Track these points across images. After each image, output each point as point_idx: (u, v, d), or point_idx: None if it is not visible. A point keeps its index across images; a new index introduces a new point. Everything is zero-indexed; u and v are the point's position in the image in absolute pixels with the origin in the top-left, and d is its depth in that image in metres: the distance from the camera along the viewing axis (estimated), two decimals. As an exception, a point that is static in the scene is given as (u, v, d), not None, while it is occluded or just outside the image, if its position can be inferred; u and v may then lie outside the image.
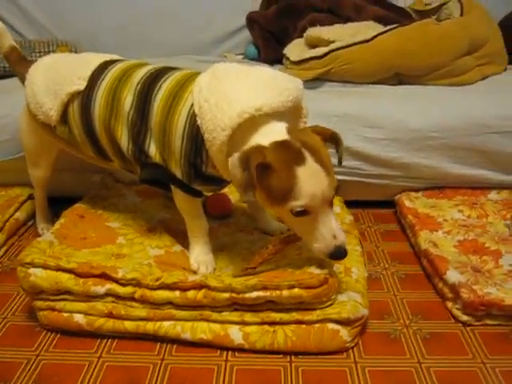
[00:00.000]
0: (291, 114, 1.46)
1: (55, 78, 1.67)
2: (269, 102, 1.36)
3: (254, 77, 1.44)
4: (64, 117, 1.67)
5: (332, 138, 1.43)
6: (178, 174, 1.50)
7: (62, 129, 1.69)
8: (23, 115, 1.83)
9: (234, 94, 1.37)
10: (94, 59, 1.69)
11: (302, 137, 1.34)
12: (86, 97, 1.62)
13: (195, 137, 1.43)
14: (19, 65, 1.85)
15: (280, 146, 1.31)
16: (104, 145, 1.64)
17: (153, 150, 1.52)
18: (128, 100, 1.55)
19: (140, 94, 1.54)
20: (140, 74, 1.58)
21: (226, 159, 1.36)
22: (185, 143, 1.45)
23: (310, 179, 1.29)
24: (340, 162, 1.47)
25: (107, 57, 1.71)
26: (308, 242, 1.40)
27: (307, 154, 1.30)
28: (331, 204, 1.37)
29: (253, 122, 1.35)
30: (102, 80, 1.61)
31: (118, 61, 1.69)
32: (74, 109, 1.64)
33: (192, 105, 1.43)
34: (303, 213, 1.32)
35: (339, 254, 1.37)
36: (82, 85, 1.62)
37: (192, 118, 1.43)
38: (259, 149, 1.29)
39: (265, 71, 1.48)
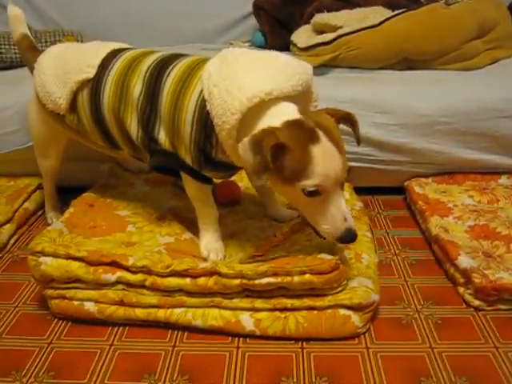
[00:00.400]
0: (302, 98, 1.45)
1: (64, 66, 1.67)
2: (279, 86, 1.35)
3: (264, 61, 1.43)
4: (73, 105, 1.67)
5: (346, 119, 1.42)
6: (188, 160, 1.50)
7: (71, 117, 1.69)
8: (32, 105, 1.83)
9: (244, 78, 1.36)
10: (103, 47, 1.68)
11: (314, 117, 1.34)
12: (95, 85, 1.62)
13: (205, 122, 1.42)
14: (29, 53, 1.85)
15: (293, 125, 1.30)
16: (113, 133, 1.64)
17: (162, 136, 1.52)
18: (137, 87, 1.55)
19: (149, 81, 1.53)
20: (149, 61, 1.58)
21: (235, 144, 1.36)
22: (194, 129, 1.44)
23: (325, 158, 1.29)
24: (358, 142, 1.47)
25: (116, 45, 1.71)
26: (317, 224, 1.38)
27: (321, 134, 1.29)
28: (343, 186, 1.36)
29: (263, 107, 1.35)
30: (111, 68, 1.61)
31: (126, 49, 1.69)
32: (83, 97, 1.64)
33: (201, 91, 1.43)
34: (315, 193, 1.31)
35: (349, 236, 1.36)
36: (91, 73, 1.62)
37: (201, 103, 1.42)
38: (270, 131, 1.28)
39: (275, 56, 1.47)
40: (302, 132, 1.29)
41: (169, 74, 1.52)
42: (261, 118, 1.35)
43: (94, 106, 1.62)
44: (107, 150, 1.77)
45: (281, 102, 1.36)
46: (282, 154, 1.28)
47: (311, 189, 1.30)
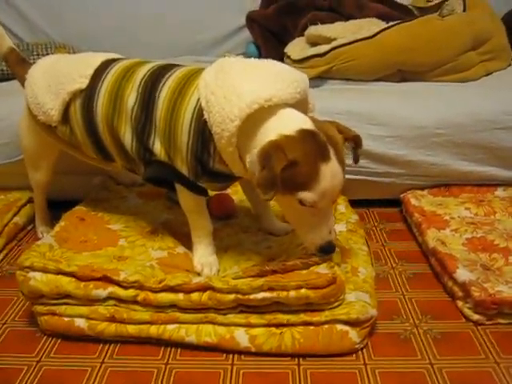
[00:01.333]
0: (299, 106, 1.43)
1: (56, 77, 1.65)
2: (278, 93, 1.34)
3: (262, 69, 1.43)
4: (65, 116, 1.64)
5: (354, 141, 1.44)
6: (185, 170, 1.48)
7: (63, 129, 1.66)
8: (23, 117, 1.81)
9: (243, 85, 1.35)
10: (96, 58, 1.66)
11: (325, 130, 1.34)
12: (88, 95, 1.59)
13: (202, 131, 1.41)
14: (18, 66, 1.82)
15: (307, 136, 1.30)
16: (107, 144, 1.61)
17: (157, 147, 1.50)
18: (131, 97, 1.53)
19: (144, 90, 1.52)
20: (143, 70, 1.56)
21: (235, 151, 1.36)
22: (191, 138, 1.43)
23: (329, 178, 1.30)
24: (356, 161, 1.49)
25: (109, 55, 1.69)
26: (303, 232, 1.41)
27: (332, 152, 1.30)
28: (335, 201, 1.38)
29: (262, 114, 1.34)
30: (105, 78, 1.59)
31: (119, 59, 1.67)
32: (75, 108, 1.62)
33: (198, 99, 1.42)
34: (310, 205, 1.32)
35: (330, 248, 1.40)
36: (84, 83, 1.60)
37: (198, 112, 1.41)
38: (280, 145, 1.27)
39: (272, 64, 1.46)
40: (315, 147, 1.29)
41: (164, 83, 1.50)
42: (263, 125, 1.34)
43: (87, 117, 1.60)
44: (100, 163, 1.74)
45: (285, 108, 1.36)
46: (291, 168, 1.27)
47: (308, 204, 1.31)
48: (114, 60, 1.66)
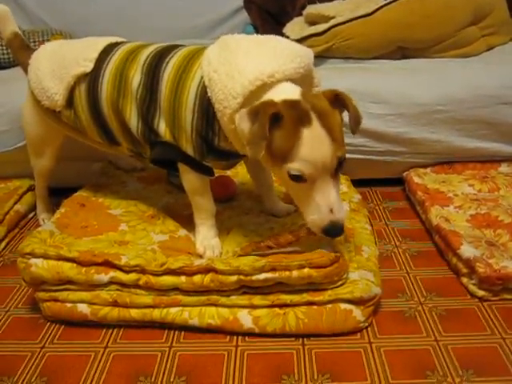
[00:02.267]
0: (304, 81, 1.41)
1: (60, 61, 1.64)
2: (281, 68, 1.33)
3: (265, 44, 1.40)
4: (70, 101, 1.63)
5: (337, 101, 1.34)
6: (190, 150, 1.47)
7: (68, 113, 1.65)
8: (26, 103, 1.79)
9: (245, 62, 1.34)
10: (100, 41, 1.65)
11: (313, 100, 1.30)
12: (93, 78, 1.58)
13: (206, 109, 1.40)
14: (22, 52, 1.80)
15: (289, 104, 1.27)
16: (112, 127, 1.60)
17: (162, 127, 1.49)
18: (136, 78, 1.52)
19: (148, 71, 1.51)
20: (147, 52, 1.55)
21: (234, 127, 1.35)
22: (196, 117, 1.42)
23: (312, 143, 1.25)
24: (355, 127, 1.37)
25: (112, 39, 1.67)
26: (304, 213, 1.34)
27: (314, 117, 1.26)
28: (334, 175, 1.30)
29: (264, 89, 1.32)
30: (109, 61, 1.58)
31: (123, 42, 1.66)
32: (80, 92, 1.60)
33: (201, 78, 1.41)
34: (300, 178, 1.28)
35: (334, 229, 1.30)
36: (88, 66, 1.59)
37: (202, 90, 1.40)
38: (271, 102, 1.27)
39: (275, 39, 1.44)
40: (297, 112, 1.26)
41: (167, 63, 1.49)
42: (261, 99, 1.32)
43: (92, 100, 1.59)
44: (105, 147, 1.73)
45: (282, 83, 1.33)
46: (277, 126, 1.25)
47: (295, 173, 1.27)
48: (117, 43, 1.65)
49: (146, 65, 1.52)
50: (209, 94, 1.38)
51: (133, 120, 1.54)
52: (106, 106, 1.58)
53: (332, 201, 1.29)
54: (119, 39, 1.70)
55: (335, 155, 1.27)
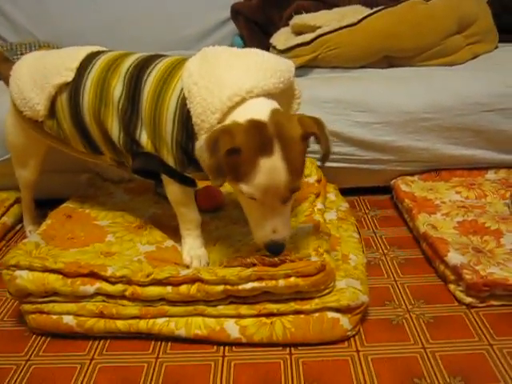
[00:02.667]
0: (283, 95, 1.42)
1: (41, 71, 1.63)
2: (260, 83, 1.33)
3: (245, 58, 1.40)
4: (52, 111, 1.63)
5: (315, 137, 1.33)
6: (171, 161, 1.46)
7: (50, 123, 1.64)
8: (9, 114, 1.78)
9: (225, 76, 1.34)
10: (81, 51, 1.64)
11: (281, 124, 1.28)
12: (74, 88, 1.58)
13: (186, 121, 1.39)
14: (2, 65, 1.80)
15: (254, 126, 1.26)
16: (94, 136, 1.59)
17: (144, 138, 1.48)
18: (117, 88, 1.51)
19: (129, 81, 1.50)
20: (128, 62, 1.55)
21: None
22: (176, 128, 1.41)
23: (267, 174, 1.25)
24: (322, 163, 1.38)
25: (94, 48, 1.67)
26: (251, 226, 1.39)
27: (276, 147, 1.25)
28: (285, 201, 1.33)
29: (241, 104, 1.32)
30: (90, 70, 1.57)
31: (104, 51, 1.65)
32: (62, 101, 1.60)
33: (182, 89, 1.40)
34: (251, 197, 1.31)
35: (274, 248, 1.36)
36: (69, 76, 1.58)
37: (182, 102, 1.40)
38: (228, 131, 1.26)
39: (256, 53, 1.44)
40: (259, 139, 1.25)
41: (149, 73, 1.49)
42: (232, 114, 1.32)
43: (74, 110, 1.58)
44: (89, 156, 1.72)
45: (254, 99, 1.32)
46: (235, 155, 1.25)
47: (246, 196, 1.31)
48: (99, 52, 1.64)
49: (128, 75, 1.52)
50: (188, 106, 1.37)
51: (114, 130, 1.53)
52: (87, 116, 1.57)
53: (276, 223, 1.33)
54: (101, 48, 1.69)
55: (288, 187, 1.29)
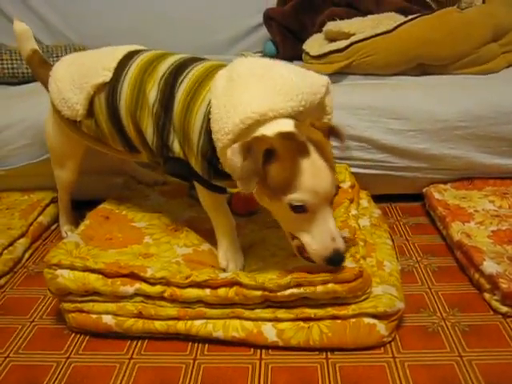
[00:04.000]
0: (310, 113, 1.41)
1: (80, 71, 1.66)
2: (276, 107, 1.32)
3: (268, 78, 1.38)
4: (90, 110, 1.65)
5: (332, 133, 1.39)
6: (198, 169, 1.47)
7: (89, 123, 1.67)
8: (48, 115, 1.82)
9: (242, 97, 1.33)
10: (119, 50, 1.66)
11: (307, 131, 1.31)
12: (111, 88, 1.60)
13: (211, 134, 1.39)
14: (41, 68, 1.84)
15: (285, 136, 1.28)
16: (131, 136, 1.62)
17: (176, 144, 1.50)
18: (153, 92, 1.53)
19: (164, 87, 1.51)
20: (165, 65, 1.56)
21: None
22: (202, 140, 1.42)
23: (314, 174, 1.26)
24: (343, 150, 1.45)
25: (131, 47, 1.68)
26: (305, 243, 1.34)
27: (312, 148, 1.28)
28: (331, 203, 1.33)
29: (258, 124, 1.32)
30: (128, 70, 1.59)
31: (142, 50, 1.66)
32: (100, 101, 1.62)
33: (210, 101, 1.40)
34: (302, 208, 1.28)
35: (338, 258, 1.32)
36: (107, 76, 1.60)
37: (209, 114, 1.39)
38: (263, 137, 1.27)
39: (280, 73, 1.40)
40: (293, 144, 1.27)
41: (182, 81, 1.50)
42: (255, 134, 1.32)
43: (112, 110, 1.61)
44: (127, 155, 1.75)
45: (276, 120, 1.33)
46: (272, 161, 1.26)
47: (297, 203, 1.27)
48: (137, 52, 1.65)
49: (163, 80, 1.52)
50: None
51: (149, 133, 1.55)
52: (124, 116, 1.59)
53: (333, 229, 1.31)
54: (139, 47, 1.71)
55: (334, 184, 1.30)
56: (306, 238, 1.33)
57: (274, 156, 1.26)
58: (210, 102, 1.40)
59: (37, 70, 1.86)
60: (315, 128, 1.35)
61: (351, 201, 1.81)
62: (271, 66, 1.43)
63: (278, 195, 1.28)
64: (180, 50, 2.69)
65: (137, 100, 1.56)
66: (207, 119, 1.40)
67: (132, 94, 1.57)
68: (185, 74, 1.51)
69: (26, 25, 1.85)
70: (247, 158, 1.24)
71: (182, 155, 1.50)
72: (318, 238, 1.31)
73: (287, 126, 1.31)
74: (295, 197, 1.26)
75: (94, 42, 2.70)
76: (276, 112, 1.32)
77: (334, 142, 1.41)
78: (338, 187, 1.32)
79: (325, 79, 1.44)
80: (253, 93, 1.34)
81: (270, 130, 1.30)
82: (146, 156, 1.65)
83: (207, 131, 1.40)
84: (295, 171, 1.25)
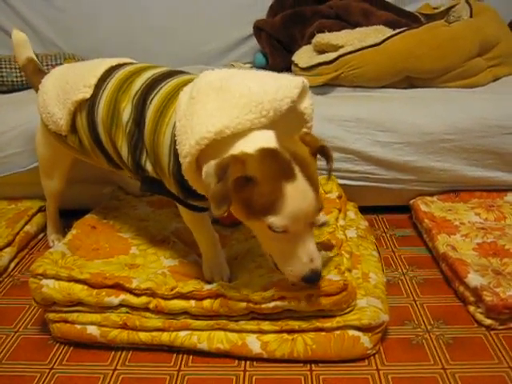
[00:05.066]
0: (284, 123, 1.31)
1: (64, 86, 1.66)
2: (232, 123, 1.23)
3: (225, 92, 1.28)
4: (73, 126, 1.65)
5: (321, 152, 1.33)
6: (173, 190, 1.45)
7: (73, 138, 1.67)
8: (39, 125, 1.83)
9: (199, 116, 1.26)
10: (101, 66, 1.64)
11: (292, 147, 1.24)
12: (91, 104, 1.59)
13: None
14: (36, 76, 1.84)
15: (268, 155, 1.21)
16: (111, 153, 1.61)
17: (149, 165, 1.47)
18: (126, 111, 1.50)
19: (136, 105, 1.48)
20: (140, 82, 1.52)
21: (196, 178, 1.32)
22: (171, 161, 1.38)
23: (297, 197, 1.20)
24: (329, 176, 1.38)
25: (114, 61, 1.66)
26: (281, 262, 1.30)
27: (297, 169, 1.20)
28: (312, 225, 1.28)
29: (233, 139, 1.25)
30: (105, 88, 1.57)
31: (124, 65, 1.64)
32: (82, 117, 1.62)
33: (175, 122, 1.35)
34: (282, 231, 1.23)
35: (314, 277, 1.28)
36: (88, 92, 1.59)
37: (175, 136, 1.35)
38: (239, 159, 1.19)
39: (239, 83, 1.30)
40: (277, 165, 1.20)
41: (152, 99, 1.45)
42: (231, 149, 1.25)
43: (92, 126, 1.60)
44: (112, 170, 1.74)
45: (253, 132, 1.25)
46: (249, 186, 1.19)
47: (277, 229, 1.22)
48: (118, 66, 1.63)
49: (136, 98, 1.49)
50: None
51: (124, 151, 1.52)
52: (102, 133, 1.57)
53: (311, 251, 1.27)
54: (122, 60, 1.68)
55: (317, 208, 1.24)
56: (284, 260, 1.29)
57: (251, 181, 1.19)
58: (175, 124, 1.35)
59: (31, 78, 1.87)
60: (304, 142, 1.29)
61: (339, 210, 1.82)
62: (230, 77, 1.33)
63: (257, 216, 1.23)
64: (170, 61, 2.72)
65: (112, 118, 1.53)
66: (174, 140, 1.34)
67: (108, 112, 1.54)
68: (155, 91, 1.47)
69: (23, 34, 1.88)
70: (221, 180, 1.17)
71: (156, 175, 1.47)
72: (296, 261, 1.27)
73: (269, 139, 1.24)
74: (276, 221, 1.20)
75: (85, 52, 2.72)
76: (233, 128, 1.23)
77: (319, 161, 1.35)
78: (322, 208, 1.26)
79: (299, 81, 1.33)
80: (209, 110, 1.26)
81: (250, 144, 1.23)
82: (128, 173, 1.63)
83: (176, 154, 1.34)
84: (277, 195, 1.19)
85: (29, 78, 1.90)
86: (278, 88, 1.29)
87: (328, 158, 1.35)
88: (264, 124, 1.27)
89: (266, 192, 1.19)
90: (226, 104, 1.26)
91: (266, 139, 1.24)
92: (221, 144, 1.25)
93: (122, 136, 1.52)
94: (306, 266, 1.27)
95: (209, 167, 1.21)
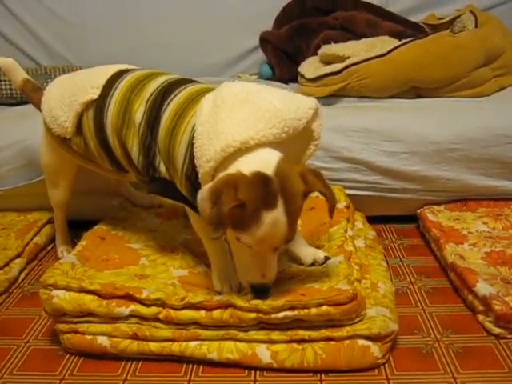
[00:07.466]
0: (297, 139, 1.42)
1: (70, 89, 1.68)
2: (257, 135, 1.31)
3: (251, 105, 1.37)
4: (79, 128, 1.67)
5: (322, 194, 1.38)
6: (184, 192, 1.48)
7: (78, 141, 1.69)
8: (42, 135, 1.84)
9: (224, 124, 1.33)
10: (109, 69, 1.68)
11: (286, 179, 1.30)
12: (99, 106, 1.61)
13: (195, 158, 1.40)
14: (34, 93, 1.86)
15: (259, 181, 1.27)
16: (117, 155, 1.63)
17: (162, 166, 1.51)
18: (139, 112, 1.54)
19: (151, 107, 1.52)
20: (153, 86, 1.56)
21: (210, 182, 1.35)
22: (186, 163, 1.43)
23: (269, 226, 1.28)
24: (330, 217, 1.43)
25: (123, 66, 1.70)
26: (238, 266, 1.44)
27: (280, 202, 1.28)
28: (277, 249, 1.38)
29: (241, 153, 1.32)
30: (116, 88, 1.60)
31: (133, 69, 1.68)
32: (88, 119, 1.64)
33: (194, 126, 1.41)
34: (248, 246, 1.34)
35: (261, 289, 1.41)
36: (95, 93, 1.62)
37: (193, 140, 1.40)
38: (232, 183, 1.26)
39: (266, 98, 1.39)
40: (264, 193, 1.27)
41: (169, 103, 1.50)
42: (235, 163, 1.32)
43: (99, 127, 1.62)
44: (115, 174, 1.77)
45: (260, 149, 1.33)
46: (238, 208, 1.26)
47: (244, 244, 1.33)
48: (127, 70, 1.67)
49: (151, 100, 1.53)
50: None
51: (134, 152, 1.55)
52: (110, 134, 1.60)
53: (267, 268, 1.39)
54: (130, 66, 1.72)
55: (285, 239, 1.34)
56: (241, 265, 1.42)
57: (241, 207, 1.26)
58: (194, 127, 1.40)
59: (30, 95, 1.89)
60: (304, 180, 1.33)
61: (347, 220, 1.82)
62: (255, 92, 1.42)
63: (232, 227, 1.32)
64: (177, 73, 2.73)
65: (123, 119, 1.57)
66: (191, 144, 1.40)
67: (118, 113, 1.57)
68: (172, 95, 1.51)
69: (11, 59, 1.90)
70: (215, 205, 1.25)
71: (168, 176, 1.51)
72: (250, 271, 1.40)
73: (269, 164, 1.30)
74: (244, 238, 1.32)
75: (91, 64, 2.73)
76: (257, 140, 1.31)
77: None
78: (291, 239, 1.38)
79: (313, 102, 1.44)
80: (235, 120, 1.33)
81: (249, 162, 1.30)
82: (134, 176, 1.65)
83: (191, 156, 1.40)
84: (254, 219, 1.27)
85: (28, 96, 1.91)
86: (297, 108, 1.39)
87: (329, 201, 1.38)
88: (282, 139, 1.35)
89: (246, 214, 1.27)
90: (252, 117, 1.34)
91: (267, 162, 1.31)
92: (230, 158, 1.32)
93: (133, 137, 1.54)
94: (258, 277, 1.39)
95: (202, 192, 1.29)
